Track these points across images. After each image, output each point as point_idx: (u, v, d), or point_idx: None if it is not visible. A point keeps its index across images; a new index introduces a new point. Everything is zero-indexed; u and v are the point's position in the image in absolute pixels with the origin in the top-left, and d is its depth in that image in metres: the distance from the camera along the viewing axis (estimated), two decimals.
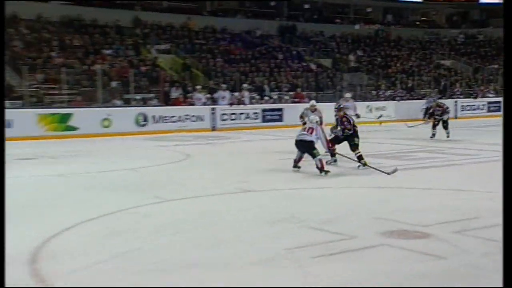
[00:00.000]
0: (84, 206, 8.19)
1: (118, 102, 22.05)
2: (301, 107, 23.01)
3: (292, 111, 21.72)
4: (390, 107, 26.58)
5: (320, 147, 11.27)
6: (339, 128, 12.22)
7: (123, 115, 20.30)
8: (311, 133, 11.07)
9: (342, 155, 11.70)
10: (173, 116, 21.29)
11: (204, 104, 22.67)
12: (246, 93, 23.88)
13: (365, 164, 11.41)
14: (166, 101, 22.93)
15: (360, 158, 11.58)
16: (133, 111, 20.92)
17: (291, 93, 25.86)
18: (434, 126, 18.14)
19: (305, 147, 10.97)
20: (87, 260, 5.67)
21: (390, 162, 12.22)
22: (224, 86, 23.92)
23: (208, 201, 8.67)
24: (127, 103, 22.17)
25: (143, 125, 20.59)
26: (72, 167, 12.37)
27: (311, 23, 34.95)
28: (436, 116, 18.18)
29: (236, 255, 5.83)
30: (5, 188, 2.84)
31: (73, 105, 20.73)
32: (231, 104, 22.93)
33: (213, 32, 30.23)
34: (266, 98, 25.18)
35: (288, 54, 30.74)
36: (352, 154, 11.71)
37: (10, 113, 18.51)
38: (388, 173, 10.48)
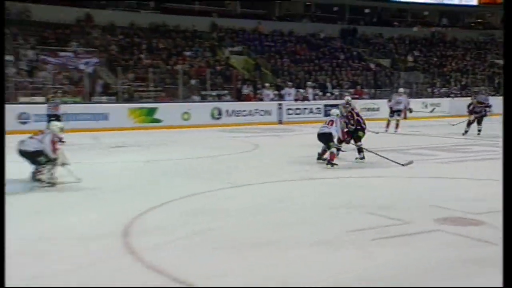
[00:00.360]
0: (168, 189, 8.37)
1: (196, 98, 22.41)
2: (360, 102, 22.79)
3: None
4: (445, 104, 25.85)
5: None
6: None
7: (200, 109, 20.64)
8: (331, 125, 10.74)
9: (372, 151, 11.14)
10: (244, 111, 21.46)
11: (272, 100, 22.75)
12: (310, 90, 23.85)
13: (362, 158, 11.01)
14: (238, 97, 23.12)
15: (360, 150, 11.13)
16: (209, 106, 21.24)
17: (351, 90, 25.55)
18: (469, 124, 16.51)
19: (324, 138, 10.63)
20: (170, 236, 5.80)
21: (445, 155, 11.88)
22: (290, 83, 23.99)
23: (276, 187, 8.70)
24: (204, 98, 22.51)
25: (218, 118, 20.84)
26: (157, 154, 12.67)
27: (371, 26, 34.33)
28: (475, 114, 16.48)
29: (303, 236, 5.82)
30: (5, 188, 2.90)
31: (158, 101, 21.19)
32: (296, 100, 22.96)
33: (281, 35, 30.18)
34: (328, 94, 25.03)
35: (349, 55, 30.35)
36: (382, 152, 11.19)
37: (106, 107, 19.21)
38: (403, 165, 10.15)
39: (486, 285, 4.37)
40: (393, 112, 18.22)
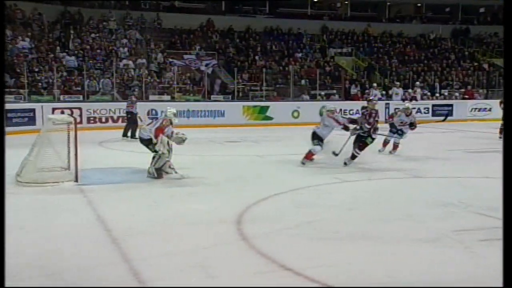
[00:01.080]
0: (277, 182, 8.47)
1: (306, 97, 22.41)
2: (471, 103, 21.55)
3: (461, 106, 20.56)
4: None
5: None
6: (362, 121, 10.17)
7: (309, 108, 20.54)
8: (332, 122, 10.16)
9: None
10: (351, 110, 21.12)
11: (380, 99, 22.15)
12: (418, 90, 23.06)
13: (345, 164, 9.93)
14: (346, 96, 22.83)
15: (353, 157, 10.02)
16: (318, 104, 20.99)
17: (462, 90, 24.32)
18: None
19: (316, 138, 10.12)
20: (277, 225, 5.87)
21: None
22: (397, 83, 23.30)
23: (381, 183, 8.51)
24: (313, 98, 22.45)
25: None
26: (268, 149, 12.84)
27: (486, 26, 32.20)
28: None
29: (405, 232, 5.65)
30: (5, 186, 2.93)
31: (270, 99, 21.45)
32: (403, 100, 22.21)
33: (390, 37, 29.35)
34: (437, 95, 23.99)
35: (460, 55, 28.84)
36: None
37: (222, 105, 19.77)
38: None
39: None
40: None
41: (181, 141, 8.65)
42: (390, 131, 11.80)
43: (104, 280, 4.26)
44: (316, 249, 5.08)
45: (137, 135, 10.04)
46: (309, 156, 10.06)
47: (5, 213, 3.29)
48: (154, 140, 8.43)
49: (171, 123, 8.69)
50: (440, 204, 6.88)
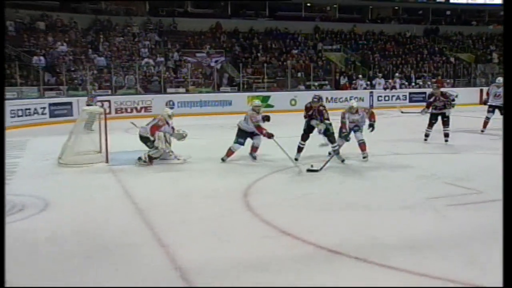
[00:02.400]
0: (279, 159, 8.33)
1: (302, 87, 22.26)
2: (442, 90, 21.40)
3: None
4: None
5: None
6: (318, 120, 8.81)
7: (305, 97, 19.93)
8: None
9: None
10: (341, 97, 20.99)
11: (365, 88, 22.09)
12: (397, 80, 22.89)
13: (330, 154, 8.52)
14: (336, 86, 22.72)
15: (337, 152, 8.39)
16: (312, 93, 20.90)
17: (433, 79, 24.14)
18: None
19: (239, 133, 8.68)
20: (278, 197, 5.90)
21: None
22: (380, 75, 23.12)
23: (370, 160, 8.44)
24: (308, 88, 22.31)
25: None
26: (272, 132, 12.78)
27: (452, 26, 31.99)
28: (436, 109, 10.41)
29: (387, 201, 5.67)
30: (4, 186, 2.78)
31: (271, 90, 21.31)
32: (385, 88, 22.14)
33: (372, 35, 29.06)
34: (413, 84, 23.86)
35: (431, 50, 28.57)
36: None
37: (230, 96, 19.66)
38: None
39: None
40: (492, 108, 11.52)
41: (181, 137, 8.31)
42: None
43: (133, 245, 4.29)
44: (311, 217, 5.10)
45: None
46: (229, 153, 8.44)
47: (5, 213, 3.11)
48: (151, 138, 8.04)
49: (166, 122, 8.18)
50: (416, 176, 6.88)
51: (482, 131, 11.61)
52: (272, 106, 19.71)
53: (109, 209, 5.49)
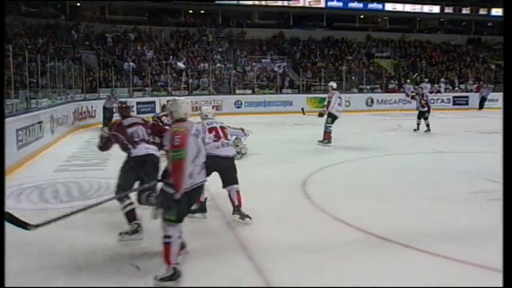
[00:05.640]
0: (333, 155, 8.31)
1: (355, 90, 21.84)
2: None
3: (475, 98, 19.50)
4: None
5: None
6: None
7: (358, 99, 20.09)
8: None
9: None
10: (390, 100, 20.46)
11: (412, 92, 21.26)
12: (442, 85, 21.93)
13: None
14: (386, 89, 22.09)
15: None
16: (364, 96, 20.61)
17: (475, 85, 22.84)
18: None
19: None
20: (331, 188, 5.91)
21: None
22: (426, 80, 22.18)
23: (411, 157, 8.25)
24: (361, 91, 21.86)
25: (371, 105, 20.13)
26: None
27: (493, 36, 29.99)
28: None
29: (431, 193, 5.53)
30: (4, 184, 2.58)
31: (326, 92, 21.02)
32: (431, 92, 21.20)
33: (420, 44, 27.90)
34: (456, 88, 22.71)
35: (474, 58, 27.04)
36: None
37: (291, 97, 19.63)
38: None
39: None
40: None
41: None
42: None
43: (207, 229, 4.44)
44: (363, 206, 5.06)
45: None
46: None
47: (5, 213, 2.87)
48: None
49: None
50: (456, 172, 6.62)
51: None
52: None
53: None
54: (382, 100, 20.39)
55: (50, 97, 11.67)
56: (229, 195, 4.58)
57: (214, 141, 4.54)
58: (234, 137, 7.31)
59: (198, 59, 22.30)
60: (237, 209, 4.51)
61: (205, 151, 3.37)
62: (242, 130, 5.54)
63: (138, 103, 16.43)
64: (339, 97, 10.18)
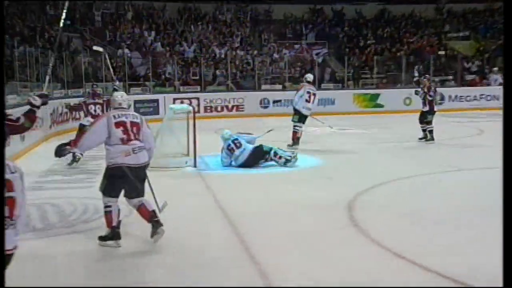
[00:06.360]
0: (387, 169, 8.31)
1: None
2: None
3: None
4: None
5: None
6: None
7: None
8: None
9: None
10: (468, 96, 20.11)
11: (500, 84, 20.77)
12: None
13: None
14: (462, 82, 21.70)
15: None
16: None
17: None
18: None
19: None
20: (388, 212, 5.82)
21: None
22: (495, 69, 21.38)
23: (490, 173, 7.97)
24: None
25: (440, 104, 19.75)
26: (379, 136, 12.63)
27: None
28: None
29: (461, 206, 5.81)
30: (5, 185, 2.91)
31: (381, 87, 20.96)
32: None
33: None
34: None
35: None
36: None
37: (332, 93, 19.61)
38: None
39: None
40: None
41: None
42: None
43: (223, 258, 4.50)
44: (424, 237, 4.99)
45: None
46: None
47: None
48: None
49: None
50: None
51: None
52: (381, 106, 19.44)
53: (198, 218, 5.79)
54: (456, 96, 20.09)
55: (19, 93, 11.93)
56: (139, 209, 4.80)
57: (121, 142, 4.54)
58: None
59: (213, 45, 22.50)
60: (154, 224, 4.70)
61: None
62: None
63: (136, 102, 16.68)
64: (309, 92, 10.46)
